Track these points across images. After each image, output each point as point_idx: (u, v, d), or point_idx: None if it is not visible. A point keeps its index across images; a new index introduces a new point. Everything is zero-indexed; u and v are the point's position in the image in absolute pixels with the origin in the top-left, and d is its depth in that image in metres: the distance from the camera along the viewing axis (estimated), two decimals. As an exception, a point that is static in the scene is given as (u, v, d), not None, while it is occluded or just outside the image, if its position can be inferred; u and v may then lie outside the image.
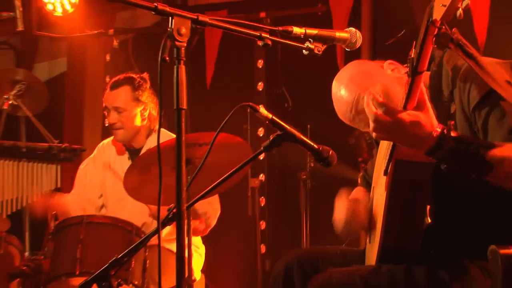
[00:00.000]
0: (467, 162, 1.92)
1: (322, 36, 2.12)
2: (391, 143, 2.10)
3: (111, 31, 5.44)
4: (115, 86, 3.74)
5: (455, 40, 1.85)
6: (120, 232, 3.27)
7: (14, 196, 3.62)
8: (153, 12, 1.92)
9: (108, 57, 5.71)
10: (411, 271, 2.12)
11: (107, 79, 5.59)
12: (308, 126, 3.97)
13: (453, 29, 1.85)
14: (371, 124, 1.92)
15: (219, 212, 3.74)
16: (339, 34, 2.17)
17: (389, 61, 2.33)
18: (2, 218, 3.87)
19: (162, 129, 3.79)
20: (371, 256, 2.28)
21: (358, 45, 2.19)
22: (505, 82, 1.90)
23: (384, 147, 2.28)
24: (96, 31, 5.29)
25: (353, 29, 2.19)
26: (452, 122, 1.98)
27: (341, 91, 2.28)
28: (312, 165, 4.39)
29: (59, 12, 4.66)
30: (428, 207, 2.17)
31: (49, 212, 3.40)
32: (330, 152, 2.18)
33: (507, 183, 1.95)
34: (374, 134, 1.97)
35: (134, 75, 3.79)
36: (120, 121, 3.72)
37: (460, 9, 1.80)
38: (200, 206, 3.55)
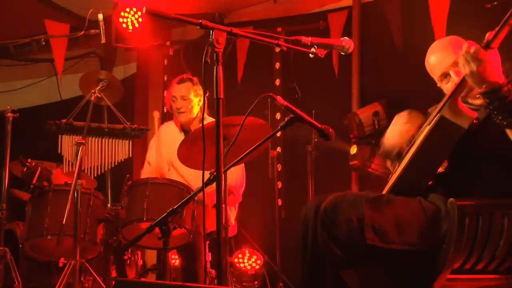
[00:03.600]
0: None
1: (324, 43, 2.11)
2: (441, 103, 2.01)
3: (168, 43, 5.47)
4: (181, 81, 3.78)
5: None
6: (175, 190, 3.28)
7: (99, 163, 3.62)
8: (198, 27, 1.90)
9: (166, 62, 5.68)
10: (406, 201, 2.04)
11: (165, 78, 5.60)
12: (313, 111, 3.90)
13: None
14: (463, 56, 1.87)
15: (243, 188, 3.75)
16: (336, 42, 2.15)
17: (469, 41, 2.26)
18: (90, 179, 3.90)
19: (208, 116, 3.82)
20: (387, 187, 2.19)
21: (350, 50, 2.16)
22: None
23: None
24: (157, 43, 5.31)
25: (347, 38, 2.16)
26: None
27: (437, 50, 2.26)
28: (316, 140, 4.34)
29: (130, 29, 4.67)
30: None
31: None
32: (330, 130, 2.17)
33: None
34: (461, 67, 1.91)
35: (191, 77, 3.81)
36: (184, 106, 3.73)
37: None
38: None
